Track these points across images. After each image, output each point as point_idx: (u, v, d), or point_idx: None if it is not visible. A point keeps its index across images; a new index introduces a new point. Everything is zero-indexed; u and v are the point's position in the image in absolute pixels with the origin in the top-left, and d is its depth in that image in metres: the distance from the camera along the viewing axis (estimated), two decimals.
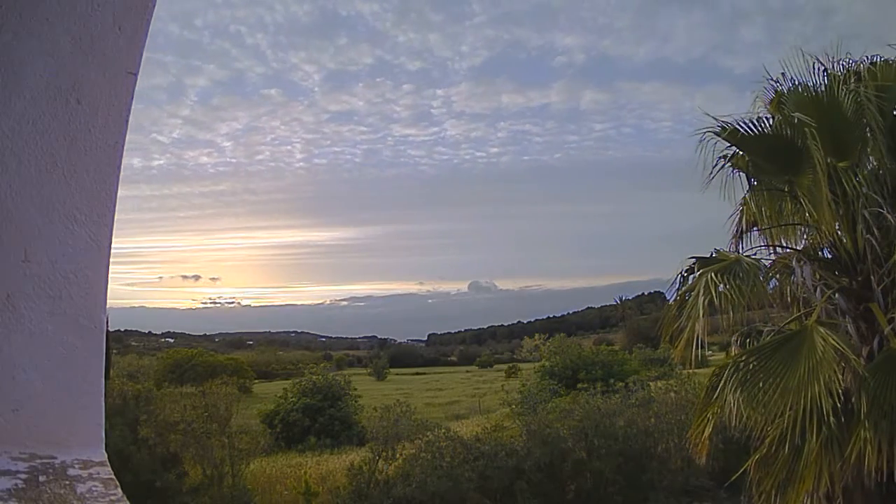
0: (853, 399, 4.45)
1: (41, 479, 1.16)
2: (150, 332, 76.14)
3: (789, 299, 5.52)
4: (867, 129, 4.92)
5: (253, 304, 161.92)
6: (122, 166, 1.32)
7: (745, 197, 5.96)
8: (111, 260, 1.34)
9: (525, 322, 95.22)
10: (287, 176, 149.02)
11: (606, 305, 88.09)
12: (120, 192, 1.32)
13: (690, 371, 14.03)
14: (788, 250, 5.70)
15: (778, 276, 5.62)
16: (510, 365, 43.94)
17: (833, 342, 4.22)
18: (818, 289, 4.94)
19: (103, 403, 1.33)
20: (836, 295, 4.99)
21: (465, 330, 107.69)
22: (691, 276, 5.73)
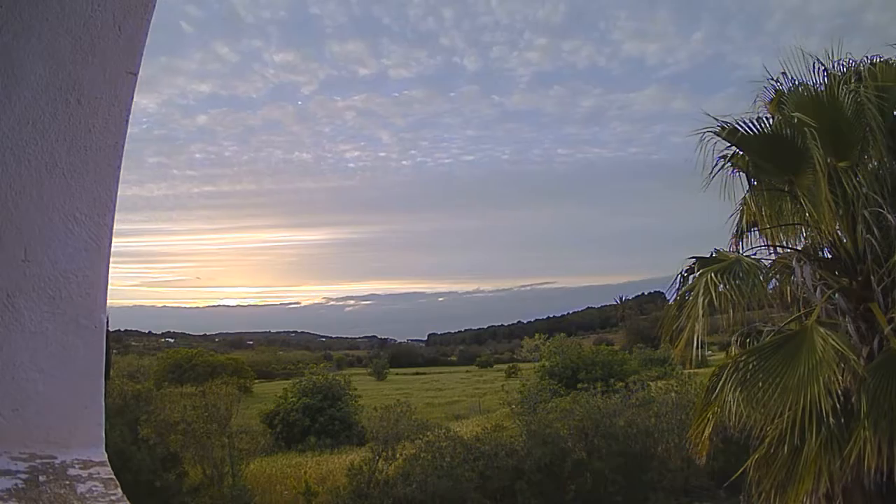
0: (853, 399, 4.45)
1: (41, 479, 1.16)
2: (150, 332, 76.09)
3: (789, 299, 5.52)
4: (867, 129, 4.92)
5: (253, 304, 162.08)
6: (122, 166, 1.32)
7: (745, 197, 5.96)
8: (111, 260, 1.34)
9: (525, 322, 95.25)
10: (424, 173, 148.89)
11: (606, 305, 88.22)
12: (121, 192, 1.33)
13: (690, 371, 14.04)
14: (788, 250, 5.70)
15: (778, 276, 5.62)
16: (510, 365, 43.93)
17: (833, 342, 4.22)
18: (818, 289, 4.94)
19: (103, 403, 1.33)
20: (836, 295, 4.98)
21: (465, 330, 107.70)
22: (691, 276, 5.73)
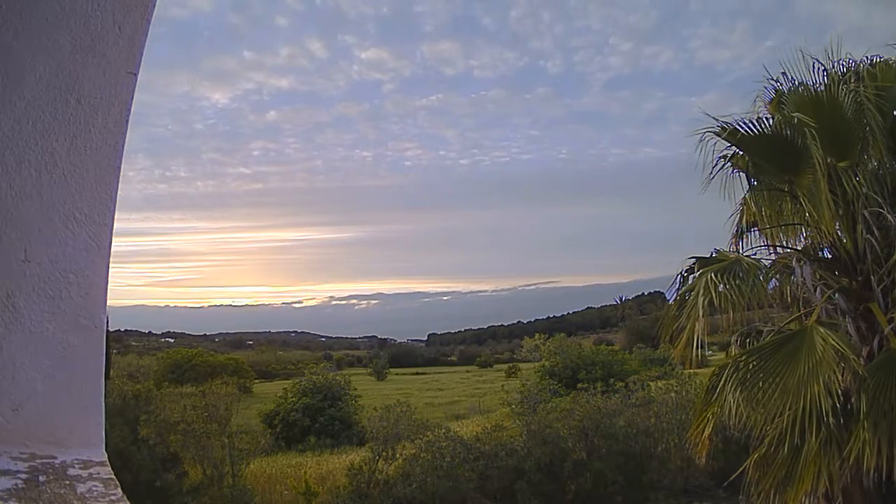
0: (853, 399, 4.45)
1: (41, 479, 1.16)
2: (150, 332, 76.23)
3: (789, 299, 5.52)
4: (867, 129, 4.92)
5: (253, 304, 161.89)
6: (122, 166, 1.32)
7: (745, 197, 5.96)
8: (111, 260, 1.34)
9: (525, 322, 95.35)
10: (478, 172, 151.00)
11: (606, 305, 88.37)
12: (119, 192, 1.33)
13: (690, 371, 14.04)
14: (788, 250, 5.69)
15: (778, 276, 5.62)
16: (510, 365, 43.89)
17: (833, 342, 4.22)
18: (818, 289, 4.93)
19: (103, 403, 1.33)
20: (836, 295, 4.98)
21: (465, 330, 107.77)
22: (691, 276, 5.73)
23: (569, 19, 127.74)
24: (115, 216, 1.33)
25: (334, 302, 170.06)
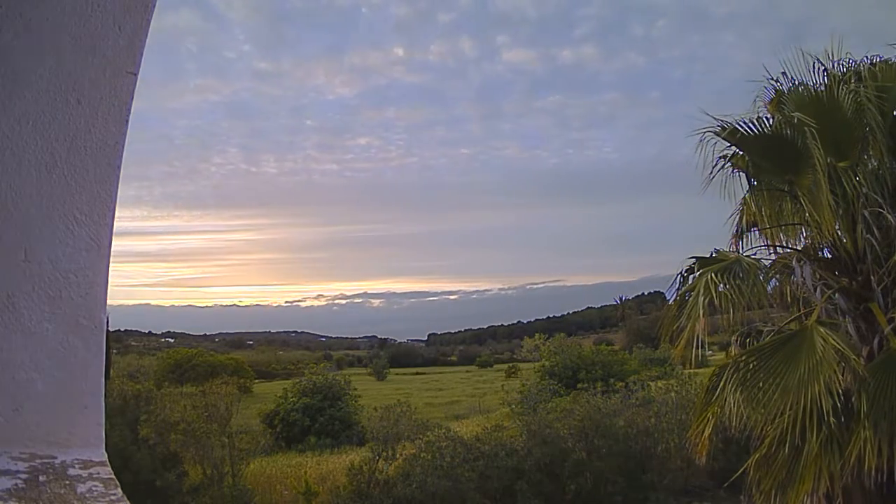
0: (853, 399, 4.45)
1: (41, 479, 1.16)
2: (150, 332, 76.13)
3: (789, 299, 5.52)
4: (867, 129, 4.92)
5: (253, 304, 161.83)
6: (123, 165, 1.32)
7: (745, 197, 5.96)
8: (111, 260, 1.34)
9: (525, 322, 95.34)
10: (560, 169, 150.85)
11: (606, 305, 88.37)
12: (120, 192, 1.32)
13: (691, 371, 14.05)
14: (788, 250, 5.69)
15: (778, 276, 5.62)
16: (510, 365, 43.90)
17: (833, 342, 4.22)
18: (818, 289, 4.93)
19: (103, 403, 1.33)
20: (836, 295, 4.98)
21: (465, 330, 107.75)
22: (691, 276, 5.73)
23: (706, 30, 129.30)
24: (116, 216, 1.33)
25: (342, 301, 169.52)
